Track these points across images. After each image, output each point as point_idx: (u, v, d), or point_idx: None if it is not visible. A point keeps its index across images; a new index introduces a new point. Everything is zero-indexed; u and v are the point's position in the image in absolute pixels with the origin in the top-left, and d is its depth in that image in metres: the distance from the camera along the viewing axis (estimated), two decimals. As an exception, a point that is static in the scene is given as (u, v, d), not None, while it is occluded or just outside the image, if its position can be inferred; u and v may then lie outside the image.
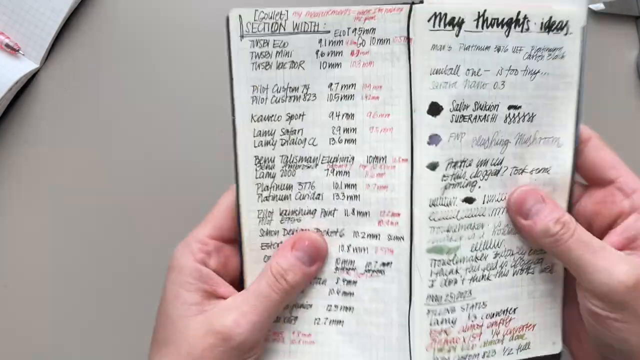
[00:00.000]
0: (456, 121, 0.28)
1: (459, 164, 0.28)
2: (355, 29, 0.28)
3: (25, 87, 0.40)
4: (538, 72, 0.28)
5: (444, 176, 0.28)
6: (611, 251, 0.27)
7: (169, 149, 0.40)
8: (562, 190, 0.29)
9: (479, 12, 0.27)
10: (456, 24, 0.27)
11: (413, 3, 0.27)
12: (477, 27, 0.27)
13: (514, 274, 0.30)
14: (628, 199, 0.28)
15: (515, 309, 0.30)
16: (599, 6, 0.39)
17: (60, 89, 0.40)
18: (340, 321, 0.30)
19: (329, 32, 0.28)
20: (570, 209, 0.30)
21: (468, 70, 0.27)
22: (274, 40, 0.28)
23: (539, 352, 0.30)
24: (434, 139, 0.28)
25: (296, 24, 0.28)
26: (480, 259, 0.29)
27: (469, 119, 0.28)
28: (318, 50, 0.28)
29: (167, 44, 0.40)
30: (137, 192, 0.40)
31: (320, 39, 0.28)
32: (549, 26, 0.28)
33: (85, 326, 0.40)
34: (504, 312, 0.30)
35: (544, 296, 0.30)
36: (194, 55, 0.40)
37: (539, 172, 0.29)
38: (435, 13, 0.27)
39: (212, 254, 0.29)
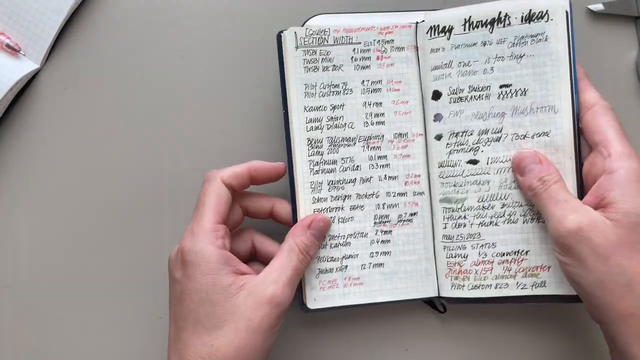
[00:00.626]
0: (454, 102, 0.36)
1: (460, 134, 0.36)
2: (379, 40, 0.37)
3: (25, 87, 0.40)
4: (524, 55, 0.35)
5: (447, 144, 0.36)
6: (571, 203, 0.31)
7: (169, 148, 0.40)
8: (566, 150, 0.35)
9: (465, 19, 0.35)
10: (447, 30, 0.36)
11: (417, 23, 0.36)
12: (464, 30, 0.35)
13: (524, 222, 0.36)
14: (603, 162, 0.32)
15: (527, 252, 0.36)
16: (599, 7, 0.39)
17: (60, 89, 0.40)
18: (381, 264, 0.37)
19: (360, 43, 0.37)
20: (579, 166, 0.35)
21: (460, 62, 0.35)
22: (320, 50, 0.37)
23: (556, 290, 0.35)
24: (437, 117, 0.36)
25: (336, 38, 0.37)
26: (487, 209, 0.36)
27: (465, 99, 0.36)
28: (353, 57, 0.37)
29: (167, 44, 0.40)
30: (138, 191, 0.40)
31: (354, 48, 0.37)
32: (529, 18, 0.35)
33: (86, 326, 0.40)
34: (515, 252, 0.36)
35: None
36: (194, 55, 0.40)
37: (539, 136, 0.35)
38: (431, 26, 0.36)
39: (225, 237, 0.33)
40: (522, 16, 0.35)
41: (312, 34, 0.37)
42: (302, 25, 0.37)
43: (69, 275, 0.40)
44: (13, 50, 0.39)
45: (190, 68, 0.40)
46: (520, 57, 0.35)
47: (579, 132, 0.35)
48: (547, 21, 0.35)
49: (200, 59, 0.40)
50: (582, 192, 0.34)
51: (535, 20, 0.35)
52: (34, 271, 0.40)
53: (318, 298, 0.37)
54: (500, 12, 0.35)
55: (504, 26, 0.35)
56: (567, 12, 0.34)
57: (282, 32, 0.37)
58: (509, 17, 0.35)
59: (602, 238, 0.29)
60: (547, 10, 0.34)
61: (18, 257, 0.40)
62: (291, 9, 0.40)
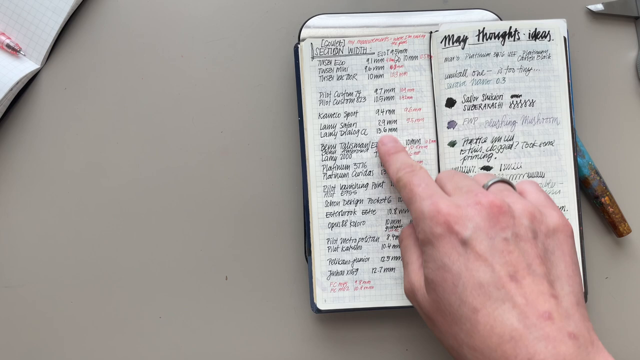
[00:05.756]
0: (468, 109, 0.37)
1: (474, 141, 0.37)
2: (393, 50, 0.38)
3: (26, 87, 0.40)
4: (531, 69, 0.37)
5: (461, 150, 0.37)
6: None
7: (170, 149, 0.40)
8: (567, 159, 0.37)
9: (479, 30, 0.37)
10: (462, 40, 0.37)
11: (431, 32, 0.38)
12: (478, 40, 0.37)
13: None
14: None
15: None
16: (598, 7, 0.39)
17: (61, 90, 0.40)
18: (392, 268, 0.38)
19: (374, 53, 0.38)
20: (576, 172, 0.37)
21: (474, 71, 0.37)
22: (335, 60, 0.38)
23: None
24: (451, 124, 0.38)
25: (350, 49, 0.38)
26: None
27: (479, 107, 0.37)
28: (367, 66, 0.38)
29: (168, 44, 0.40)
30: (138, 192, 0.40)
31: (368, 58, 0.38)
32: (535, 35, 0.37)
33: (86, 326, 0.40)
34: None
35: None
36: (195, 55, 0.40)
37: (545, 145, 0.37)
38: (445, 36, 0.38)
39: None
40: (529, 33, 0.37)
41: (327, 45, 0.38)
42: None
43: (69, 276, 0.40)
44: (13, 50, 0.39)
45: (192, 68, 0.40)
46: (529, 70, 0.37)
47: (575, 144, 0.37)
48: (549, 41, 0.37)
49: (200, 59, 0.40)
50: (579, 198, 0.37)
51: (540, 39, 0.37)
52: (34, 271, 0.40)
53: (328, 299, 0.37)
54: (510, 27, 0.37)
55: (514, 40, 0.37)
56: (564, 37, 0.37)
57: (298, 43, 0.38)
58: (518, 32, 0.37)
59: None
60: (549, 31, 0.37)
61: (18, 257, 0.40)
62: (291, 9, 0.41)
